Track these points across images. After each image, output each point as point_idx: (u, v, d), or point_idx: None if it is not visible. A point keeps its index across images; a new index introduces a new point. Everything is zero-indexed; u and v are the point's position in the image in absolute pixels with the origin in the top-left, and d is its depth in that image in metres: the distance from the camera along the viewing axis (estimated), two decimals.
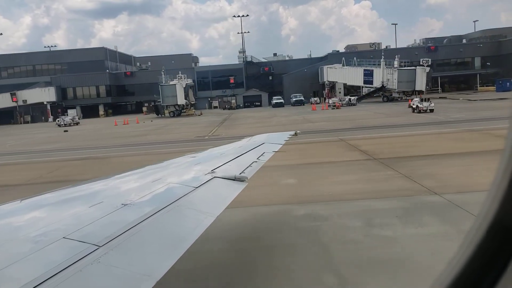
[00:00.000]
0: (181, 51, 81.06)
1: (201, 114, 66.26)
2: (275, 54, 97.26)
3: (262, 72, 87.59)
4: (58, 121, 59.48)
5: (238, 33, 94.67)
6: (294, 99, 73.40)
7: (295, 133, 9.50)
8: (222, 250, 7.61)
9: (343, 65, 75.16)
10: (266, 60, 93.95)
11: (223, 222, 7.82)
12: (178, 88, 63.24)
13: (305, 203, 10.61)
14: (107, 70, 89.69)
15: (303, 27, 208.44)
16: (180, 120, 54.83)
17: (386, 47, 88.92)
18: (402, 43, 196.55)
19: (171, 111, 66.57)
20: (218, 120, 48.32)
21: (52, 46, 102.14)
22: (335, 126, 30.89)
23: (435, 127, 25.71)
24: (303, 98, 74.31)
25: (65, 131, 46.76)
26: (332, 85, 78.91)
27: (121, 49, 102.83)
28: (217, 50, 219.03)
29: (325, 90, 79.18)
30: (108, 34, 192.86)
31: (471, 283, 0.93)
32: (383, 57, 64.43)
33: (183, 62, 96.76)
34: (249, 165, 5.66)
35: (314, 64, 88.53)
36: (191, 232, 3.15)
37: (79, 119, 78.79)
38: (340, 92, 79.68)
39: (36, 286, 2.08)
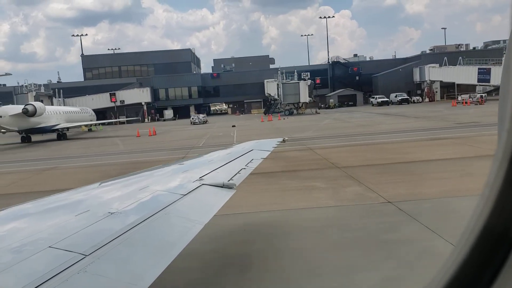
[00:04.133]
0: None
1: (317, 112, 66.49)
2: (355, 55, 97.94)
3: (350, 72, 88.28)
4: (193, 119, 59.71)
5: (302, 35, 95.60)
6: (399, 98, 73.99)
7: (283, 140, 9.43)
8: None
9: (445, 65, 75.91)
10: (347, 61, 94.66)
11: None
12: (302, 86, 63.55)
13: None
14: (194, 71, 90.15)
15: (283, 36, 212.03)
16: (325, 116, 54.95)
17: (474, 48, 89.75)
18: (382, 52, 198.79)
19: (287, 109, 66.80)
20: (372, 115, 48.48)
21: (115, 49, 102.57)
22: None
23: None
24: (408, 97, 75.01)
25: (233, 126, 46.92)
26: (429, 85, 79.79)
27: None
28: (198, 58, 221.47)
29: (424, 89, 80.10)
30: (88, 42, 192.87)
31: None
32: (504, 55, 64.90)
33: (260, 64, 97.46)
34: (238, 172, 5.64)
35: (398, 64, 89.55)
36: (179, 240, 3.13)
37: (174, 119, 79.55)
38: (436, 92, 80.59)
39: None
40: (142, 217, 3.39)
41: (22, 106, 42.63)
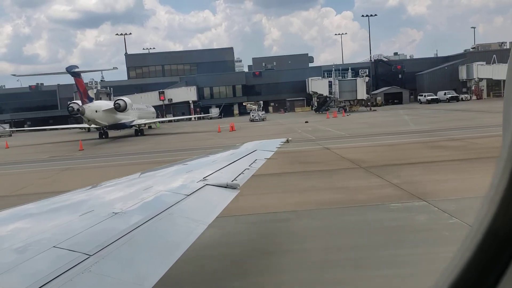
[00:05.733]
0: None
1: (371, 110, 66.68)
2: (395, 53, 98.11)
3: (393, 70, 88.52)
4: (253, 115, 60.44)
5: (335, 34, 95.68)
6: (449, 95, 74.13)
7: (287, 140, 9.40)
8: None
9: (494, 62, 75.81)
10: (389, 59, 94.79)
11: None
12: (359, 82, 63.95)
13: None
14: (236, 70, 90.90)
15: (285, 38, 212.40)
16: (388, 113, 55.13)
17: None
18: (384, 54, 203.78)
19: (340, 107, 67.17)
20: (440, 111, 48.52)
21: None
22: None
23: None
24: (457, 94, 75.13)
25: (306, 122, 47.45)
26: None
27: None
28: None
29: (471, 87, 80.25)
30: (90, 44, 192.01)
31: None
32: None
33: (300, 62, 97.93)
34: (241, 172, 5.63)
35: (439, 62, 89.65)
36: (183, 241, 3.13)
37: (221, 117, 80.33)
38: (483, 90, 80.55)
39: None
40: (146, 217, 3.42)
41: (113, 102, 43.57)
